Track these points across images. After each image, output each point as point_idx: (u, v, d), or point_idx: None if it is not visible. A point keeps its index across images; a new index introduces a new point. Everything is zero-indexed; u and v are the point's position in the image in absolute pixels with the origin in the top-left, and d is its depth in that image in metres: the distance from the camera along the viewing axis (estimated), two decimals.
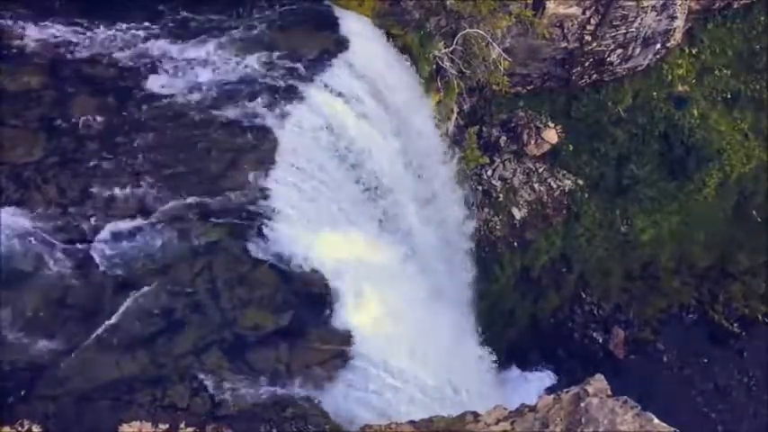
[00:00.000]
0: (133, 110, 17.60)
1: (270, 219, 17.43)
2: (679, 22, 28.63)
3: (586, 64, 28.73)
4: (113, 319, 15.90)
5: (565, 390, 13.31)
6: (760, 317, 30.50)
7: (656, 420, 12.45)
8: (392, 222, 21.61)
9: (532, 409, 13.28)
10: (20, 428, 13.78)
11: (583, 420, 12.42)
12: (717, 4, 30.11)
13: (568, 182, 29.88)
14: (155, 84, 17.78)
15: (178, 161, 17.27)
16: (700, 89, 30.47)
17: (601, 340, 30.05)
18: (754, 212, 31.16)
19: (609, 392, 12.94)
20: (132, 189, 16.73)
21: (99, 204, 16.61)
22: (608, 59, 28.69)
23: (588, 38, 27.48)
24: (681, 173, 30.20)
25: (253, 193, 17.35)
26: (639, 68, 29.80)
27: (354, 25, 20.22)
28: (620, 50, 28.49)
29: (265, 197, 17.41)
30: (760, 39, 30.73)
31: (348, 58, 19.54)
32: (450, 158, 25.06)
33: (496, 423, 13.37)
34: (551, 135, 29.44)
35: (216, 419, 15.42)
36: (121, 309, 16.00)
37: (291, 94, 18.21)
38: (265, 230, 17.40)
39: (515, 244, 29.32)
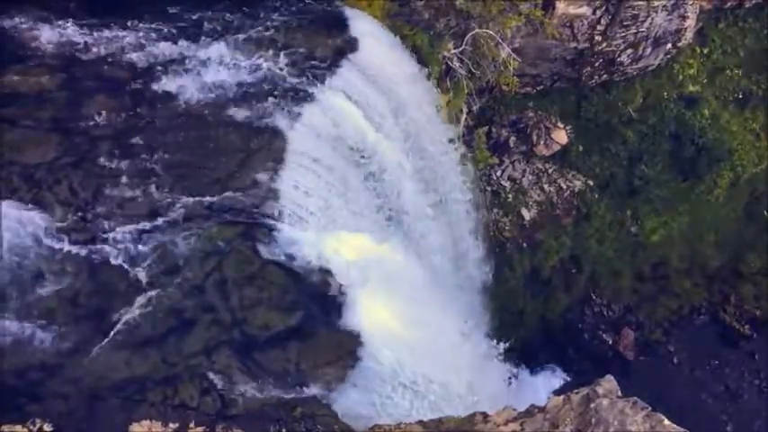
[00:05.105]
0: (146, 110, 17.68)
1: (280, 219, 17.49)
2: (690, 22, 28.49)
3: (596, 64, 28.63)
4: (125, 319, 16.00)
5: (575, 390, 13.29)
6: None
7: (666, 421, 12.41)
8: (402, 223, 21.63)
9: (542, 409, 13.27)
10: (31, 427, 13.88)
11: (593, 421, 12.40)
12: (728, 4, 29.93)
13: (578, 182, 29.78)
14: (167, 84, 17.86)
15: (190, 161, 17.34)
16: (711, 89, 30.29)
17: (611, 341, 29.96)
18: (765, 213, 30.97)
19: (619, 393, 12.92)
20: (144, 189, 16.82)
21: (111, 204, 16.69)
22: (618, 59, 28.58)
23: (598, 38, 27.39)
24: (692, 173, 30.05)
25: (263, 193, 17.41)
26: (650, 68, 29.65)
27: (364, 26, 20.25)
28: (630, 50, 28.37)
29: (275, 197, 17.48)
30: None
31: (358, 58, 19.57)
32: (460, 159, 25.03)
33: (506, 424, 13.37)
34: (561, 135, 29.33)
35: (225, 419, 15.48)
36: (133, 308, 16.10)
37: (302, 94, 18.27)
38: (275, 231, 17.47)
39: (525, 245, 29.24)
